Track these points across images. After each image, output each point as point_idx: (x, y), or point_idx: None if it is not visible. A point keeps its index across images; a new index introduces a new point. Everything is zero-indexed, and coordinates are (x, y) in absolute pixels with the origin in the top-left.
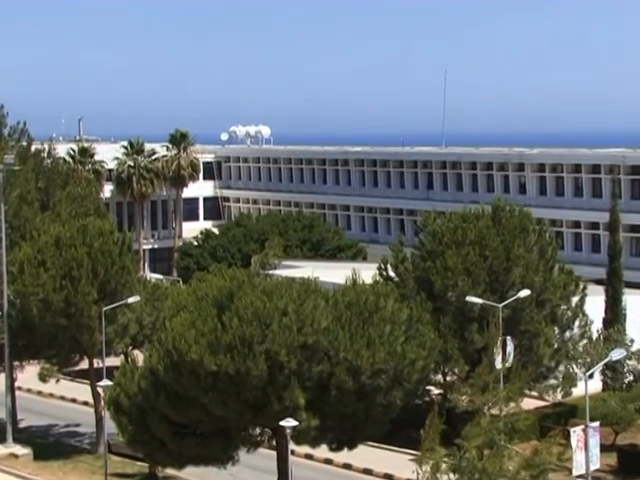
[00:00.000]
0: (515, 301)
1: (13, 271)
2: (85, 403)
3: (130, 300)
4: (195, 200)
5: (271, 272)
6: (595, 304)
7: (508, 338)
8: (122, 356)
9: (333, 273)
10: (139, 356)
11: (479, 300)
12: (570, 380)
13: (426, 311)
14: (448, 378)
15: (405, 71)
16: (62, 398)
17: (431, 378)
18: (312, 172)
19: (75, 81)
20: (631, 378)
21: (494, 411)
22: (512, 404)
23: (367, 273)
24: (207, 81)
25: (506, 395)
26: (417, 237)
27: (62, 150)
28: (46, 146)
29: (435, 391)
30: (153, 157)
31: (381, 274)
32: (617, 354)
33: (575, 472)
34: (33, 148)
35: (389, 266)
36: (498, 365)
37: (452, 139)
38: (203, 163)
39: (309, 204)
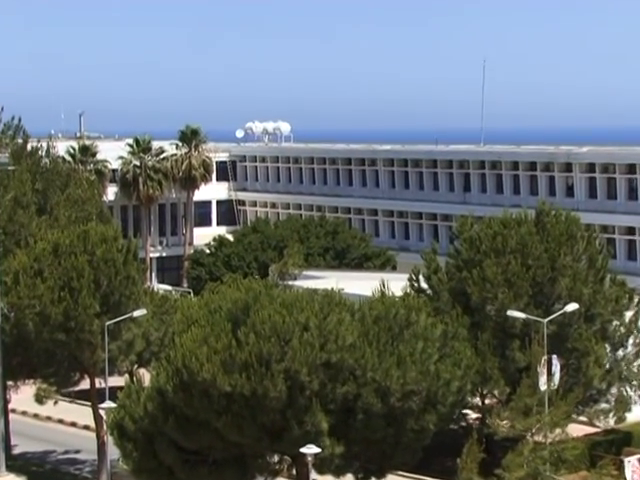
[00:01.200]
0: (561, 316)
1: (7, 282)
2: (86, 427)
3: (136, 314)
4: (207, 203)
5: (291, 283)
6: None
7: (554, 357)
8: (127, 375)
9: (359, 284)
10: (145, 375)
11: (521, 314)
12: (623, 404)
13: (462, 326)
14: (487, 401)
15: (436, 64)
16: (60, 422)
17: (468, 401)
18: (336, 173)
19: (75, 74)
20: None
21: (538, 438)
22: (558, 430)
23: (397, 284)
24: (220, 74)
25: (551, 420)
26: (452, 245)
27: (61, 148)
28: (44, 144)
29: (472, 415)
30: (161, 156)
31: (412, 285)
32: None
33: None
34: (29, 146)
35: (421, 277)
36: (542, 387)
37: (491, 136)
38: (216, 163)
39: (333, 208)
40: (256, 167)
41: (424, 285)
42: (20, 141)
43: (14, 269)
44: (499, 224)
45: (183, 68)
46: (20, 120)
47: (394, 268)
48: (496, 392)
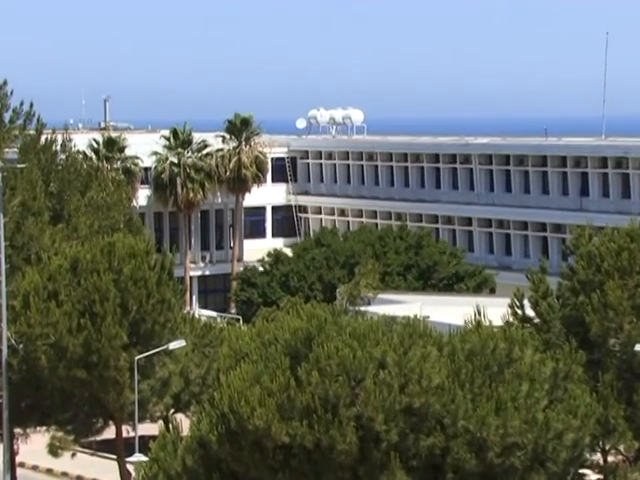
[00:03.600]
0: None
1: (15, 306)
2: None
3: (172, 346)
4: (261, 210)
5: (364, 309)
6: None
7: None
8: (161, 422)
9: (448, 311)
10: (184, 422)
11: None
12: None
13: (578, 364)
14: (610, 458)
15: (537, 38)
16: (79, 479)
17: (586, 458)
18: (420, 172)
19: (98, 52)
20: None
21: None
22: None
23: (496, 311)
24: (275, 56)
25: None
26: (566, 262)
27: (82, 142)
28: (60, 136)
29: (592, 477)
30: (204, 152)
31: (515, 313)
32: None
33: None
34: (43, 139)
35: (526, 302)
36: None
37: (614, 126)
38: (272, 160)
39: (416, 216)
40: (321, 165)
41: (530, 313)
42: (32, 132)
43: (23, 291)
44: (625, 237)
45: (228, 49)
46: (32, 106)
47: (492, 291)
48: (622, 447)
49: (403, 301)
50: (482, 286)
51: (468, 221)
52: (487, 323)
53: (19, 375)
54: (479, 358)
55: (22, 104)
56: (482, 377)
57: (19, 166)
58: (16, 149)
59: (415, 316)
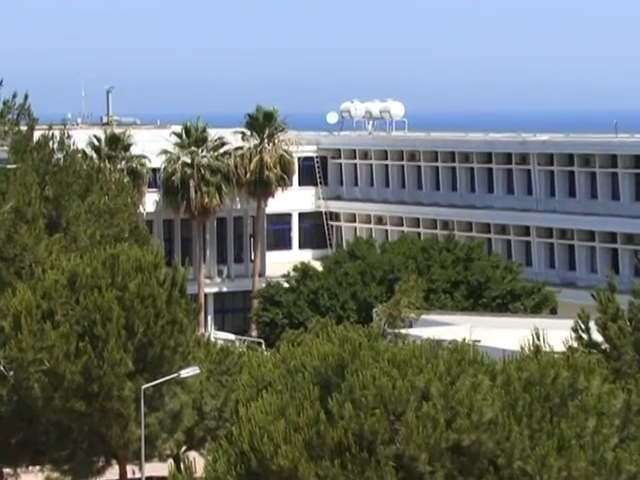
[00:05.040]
0: None
1: (4, 327)
2: None
3: (184, 373)
4: (286, 218)
5: (404, 331)
6: None
7: None
8: (171, 461)
9: (503, 334)
10: (197, 461)
11: None
12: None
13: None
14: None
15: (590, 26)
16: None
17: None
18: (470, 174)
19: (100, 39)
20: None
21: None
22: None
23: (557, 335)
24: (304, 44)
25: None
26: (639, 278)
27: (81, 139)
28: (57, 133)
29: None
30: (221, 150)
31: (580, 337)
32: None
33: None
34: (37, 135)
35: (593, 324)
36: None
37: None
38: (299, 160)
39: (465, 224)
40: (355, 165)
41: (597, 337)
42: (24, 128)
43: (14, 310)
44: None
45: (247, 33)
46: (26, 98)
47: (553, 311)
48: None
49: (450, 323)
50: (541, 306)
51: (525, 230)
52: (547, 348)
53: (9, 407)
54: (538, 389)
55: (15, 96)
56: (542, 411)
57: (10, 167)
58: (6, 147)
59: (464, 340)
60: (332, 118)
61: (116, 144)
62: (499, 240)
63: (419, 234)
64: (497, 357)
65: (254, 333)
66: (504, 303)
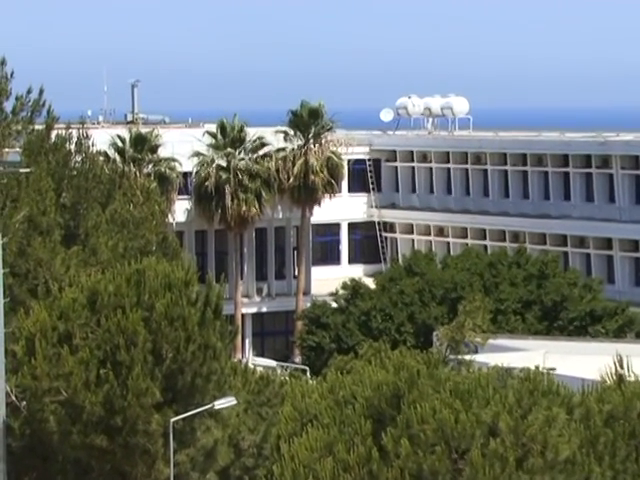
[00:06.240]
0: None
1: (16, 352)
2: None
3: (219, 405)
4: (334, 228)
5: (469, 358)
6: None
7: None
8: None
9: (581, 361)
10: None
11: None
12: None
13: None
14: None
15: None
16: None
17: None
18: (544, 178)
19: (125, 30)
20: None
21: None
22: None
23: None
24: (354, 35)
25: None
26: None
27: (103, 139)
28: (76, 132)
29: None
30: (261, 152)
31: None
32: None
33: None
34: (54, 135)
35: None
36: None
37: None
38: (349, 163)
39: (538, 236)
40: (413, 169)
41: None
42: (40, 128)
43: (27, 332)
44: None
45: (288, 21)
46: (42, 94)
47: (639, 335)
48: None
49: (521, 348)
50: (625, 329)
51: (607, 243)
52: (632, 378)
53: (21, 442)
54: (622, 424)
55: (29, 92)
56: (626, 449)
57: (23, 171)
58: (19, 149)
59: (537, 368)
60: (387, 115)
61: (142, 145)
62: (577, 254)
63: (485, 247)
64: (575, 387)
65: (298, 359)
66: (583, 326)
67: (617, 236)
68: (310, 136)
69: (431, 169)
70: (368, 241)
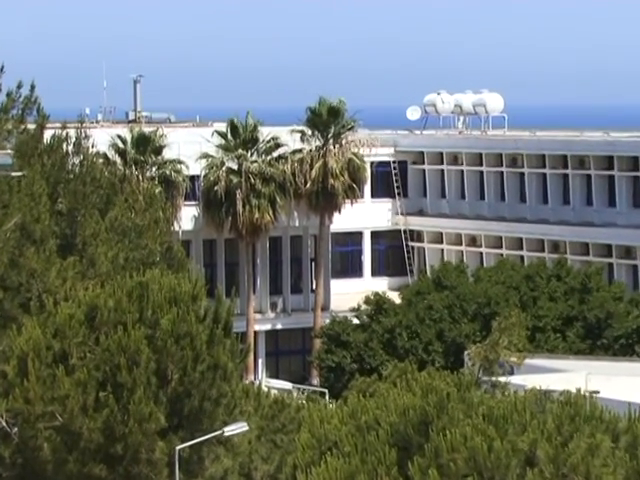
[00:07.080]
0: None
1: (6, 372)
2: None
3: (229, 431)
4: (356, 237)
5: (504, 379)
6: None
7: None
8: None
9: (628, 384)
10: None
11: None
12: None
13: None
14: None
15: None
16: None
17: None
18: (586, 183)
19: (126, 21)
20: None
21: None
22: None
23: None
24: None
25: None
26: None
27: (102, 139)
28: (72, 132)
29: None
30: (275, 154)
31: None
32: None
33: None
34: (48, 135)
35: None
36: None
37: None
38: (372, 165)
39: (580, 246)
40: (442, 172)
41: None
42: (32, 127)
43: (19, 351)
44: None
45: (303, 12)
46: (33, 89)
47: None
48: None
49: (561, 369)
50: None
51: None
52: None
53: (12, 471)
54: None
55: (20, 86)
56: None
57: (14, 174)
58: (10, 150)
59: (579, 391)
60: (413, 114)
61: (145, 146)
62: (623, 266)
63: (522, 258)
64: (620, 412)
65: (315, 381)
66: (629, 344)
67: None
68: (329, 136)
69: (462, 172)
70: (393, 251)
